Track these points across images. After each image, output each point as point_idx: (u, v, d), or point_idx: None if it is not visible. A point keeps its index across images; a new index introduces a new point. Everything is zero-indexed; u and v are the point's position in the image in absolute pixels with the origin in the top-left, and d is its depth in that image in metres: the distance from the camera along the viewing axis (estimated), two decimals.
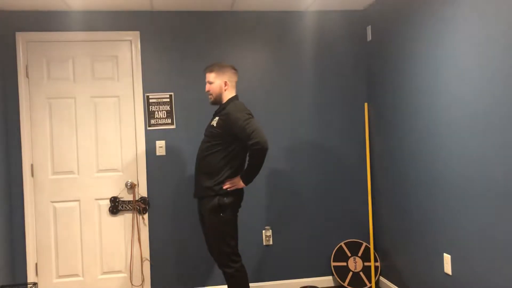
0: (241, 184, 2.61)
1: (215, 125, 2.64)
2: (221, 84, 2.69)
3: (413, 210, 2.96)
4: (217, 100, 2.72)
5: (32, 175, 3.31)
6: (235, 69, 2.77)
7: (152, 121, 3.42)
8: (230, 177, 2.62)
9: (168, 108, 3.43)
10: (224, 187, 2.59)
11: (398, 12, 3.06)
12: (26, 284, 3.18)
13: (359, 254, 3.55)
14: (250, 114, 2.60)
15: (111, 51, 3.39)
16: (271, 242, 3.56)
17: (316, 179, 3.61)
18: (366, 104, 3.63)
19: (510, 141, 2.04)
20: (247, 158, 2.64)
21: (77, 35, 3.33)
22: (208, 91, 2.73)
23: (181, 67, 3.45)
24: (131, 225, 3.41)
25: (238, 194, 2.68)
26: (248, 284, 2.69)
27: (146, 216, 3.41)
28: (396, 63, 3.12)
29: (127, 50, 3.41)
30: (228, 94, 2.71)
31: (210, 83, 2.71)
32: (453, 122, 2.46)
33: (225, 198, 2.59)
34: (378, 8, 3.40)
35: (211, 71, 2.71)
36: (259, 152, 2.49)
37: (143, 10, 3.40)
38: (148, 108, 3.41)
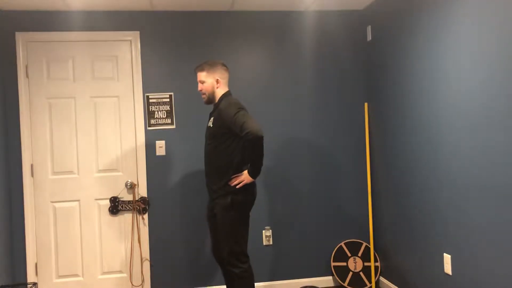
0: (249, 178, 2.58)
1: (211, 125, 2.65)
2: (213, 82, 2.68)
3: (413, 210, 2.96)
4: (211, 99, 2.72)
5: (32, 175, 3.31)
6: (225, 66, 2.75)
7: (152, 121, 3.42)
8: (237, 173, 2.61)
9: (168, 108, 3.43)
10: (232, 184, 2.58)
11: (398, 12, 3.06)
12: (26, 284, 3.18)
13: (359, 254, 3.55)
14: (241, 107, 2.57)
15: (111, 51, 3.39)
16: (271, 242, 3.56)
17: (316, 179, 3.61)
18: (366, 104, 3.63)
19: (510, 140, 2.04)
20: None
21: (77, 35, 3.33)
22: (201, 90, 2.72)
23: (181, 67, 3.45)
24: (131, 225, 3.41)
25: (250, 191, 2.66)
26: (254, 286, 2.67)
27: (146, 216, 3.41)
28: (396, 63, 3.12)
29: (127, 50, 3.41)
30: (220, 91, 2.70)
31: (202, 82, 2.70)
32: (454, 122, 2.46)
33: (238, 196, 2.58)
34: (378, 8, 3.40)
35: (202, 70, 2.70)
36: (254, 142, 2.45)
37: (143, 10, 3.40)
38: (148, 108, 3.41)
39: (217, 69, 2.70)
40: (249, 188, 2.63)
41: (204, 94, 2.72)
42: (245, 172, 2.60)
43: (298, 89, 3.59)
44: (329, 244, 3.61)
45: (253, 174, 2.57)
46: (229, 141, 2.59)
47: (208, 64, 2.71)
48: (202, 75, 2.69)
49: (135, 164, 3.41)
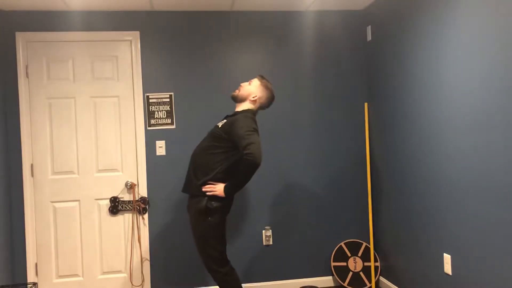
0: (221, 192, 2.52)
1: (220, 126, 2.63)
2: (252, 93, 2.70)
3: (413, 210, 2.96)
4: (237, 99, 2.73)
5: (32, 175, 3.31)
6: (272, 99, 2.77)
7: (152, 121, 3.42)
8: (213, 181, 2.56)
9: (168, 108, 3.43)
10: (203, 189, 2.54)
11: (398, 12, 3.06)
12: (26, 284, 3.18)
13: (359, 254, 3.55)
14: (256, 128, 2.56)
15: (111, 51, 3.39)
16: (271, 242, 3.56)
17: (316, 179, 3.61)
18: (366, 104, 3.63)
19: (510, 140, 2.04)
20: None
21: (77, 35, 3.33)
22: (242, 86, 2.74)
23: (181, 67, 3.45)
24: (131, 225, 3.41)
25: (227, 199, 2.59)
26: (240, 286, 2.65)
27: (146, 216, 3.41)
28: (396, 63, 3.12)
29: (127, 50, 3.41)
30: (249, 105, 2.70)
31: (249, 84, 2.73)
32: (454, 122, 2.46)
33: (213, 202, 2.53)
34: (378, 8, 3.40)
35: (260, 80, 2.74)
36: (250, 164, 2.41)
37: (143, 10, 3.40)
38: (148, 108, 3.41)
39: (265, 92, 2.72)
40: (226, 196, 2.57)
41: (239, 90, 2.73)
42: (221, 185, 2.54)
43: (298, 89, 3.59)
44: (329, 244, 3.61)
45: (228, 191, 2.52)
46: (225, 148, 2.56)
47: (266, 83, 2.74)
48: (255, 82, 2.73)
49: (135, 164, 3.41)
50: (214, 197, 2.54)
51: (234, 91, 2.76)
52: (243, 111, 2.67)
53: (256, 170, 2.46)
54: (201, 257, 2.63)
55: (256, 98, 2.69)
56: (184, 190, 2.69)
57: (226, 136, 2.55)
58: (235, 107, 2.76)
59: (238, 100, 2.73)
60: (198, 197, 2.57)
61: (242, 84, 2.76)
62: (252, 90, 2.70)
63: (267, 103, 2.76)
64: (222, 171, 2.56)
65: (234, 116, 2.63)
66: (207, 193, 2.53)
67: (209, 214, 2.53)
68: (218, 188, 2.53)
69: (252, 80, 2.75)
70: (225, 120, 2.65)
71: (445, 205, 2.57)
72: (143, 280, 3.41)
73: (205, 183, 2.55)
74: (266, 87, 2.73)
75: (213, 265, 2.58)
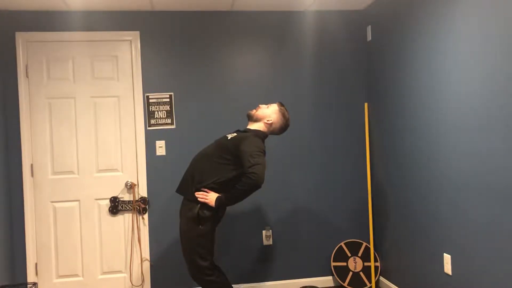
0: (212, 202, 2.50)
1: (229, 138, 2.63)
2: (268, 116, 2.70)
3: (413, 210, 2.96)
4: (253, 118, 2.72)
5: (32, 175, 3.31)
6: (285, 128, 2.77)
7: (152, 121, 3.42)
8: (207, 189, 2.55)
9: (168, 108, 3.43)
10: (196, 194, 2.53)
11: (398, 12, 3.06)
12: (26, 284, 3.18)
13: (359, 254, 3.55)
14: (264, 151, 2.56)
15: (111, 51, 3.39)
16: (271, 242, 3.56)
17: (316, 179, 3.61)
18: (366, 104, 3.63)
19: (510, 140, 2.04)
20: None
21: (77, 35, 3.33)
22: (260, 107, 2.74)
23: (181, 67, 3.45)
24: (131, 225, 3.41)
25: (218, 209, 2.58)
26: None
27: (146, 216, 3.41)
28: (396, 63, 3.12)
29: (127, 50, 3.41)
30: (262, 126, 2.70)
31: (267, 107, 2.73)
32: (453, 122, 2.46)
33: (205, 211, 2.52)
34: (378, 8, 3.40)
35: (278, 106, 2.74)
36: (251, 184, 2.41)
37: (143, 10, 3.40)
38: (148, 108, 3.42)
39: (280, 120, 2.73)
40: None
41: (256, 110, 2.73)
42: (215, 194, 2.52)
43: (298, 89, 3.59)
44: (329, 244, 3.61)
45: (219, 203, 2.51)
46: (228, 161, 2.56)
47: (285, 111, 2.74)
48: (273, 106, 2.74)
49: (135, 164, 3.41)
50: (206, 206, 2.53)
51: (253, 110, 2.76)
52: (256, 130, 2.68)
53: (254, 191, 2.46)
54: (188, 265, 2.60)
55: (270, 121, 2.70)
56: (178, 191, 2.69)
57: (233, 150, 2.54)
58: (240, 116, 2.76)
59: (253, 119, 2.73)
60: (191, 203, 2.56)
61: (260, 105, 2.77)
62: (268, 113, 2.71)
63: (279, 130, 2.77)
64: (219, 182, 2.55)
65: (245, 133, 2.63)
66: (199, 199, 2.52)
67: (201, 222, 2.52)
68: (210, 197, 2.52)
69: (271, 104, 2.77)
70: (235, 134, 2.65)
71: (445, 205, 2.57)
72: (143, 280, 3.41)
73: (199, 190, 2.55)
74: (283, 115, 2.73)
75: (199, 273, 2.56)
